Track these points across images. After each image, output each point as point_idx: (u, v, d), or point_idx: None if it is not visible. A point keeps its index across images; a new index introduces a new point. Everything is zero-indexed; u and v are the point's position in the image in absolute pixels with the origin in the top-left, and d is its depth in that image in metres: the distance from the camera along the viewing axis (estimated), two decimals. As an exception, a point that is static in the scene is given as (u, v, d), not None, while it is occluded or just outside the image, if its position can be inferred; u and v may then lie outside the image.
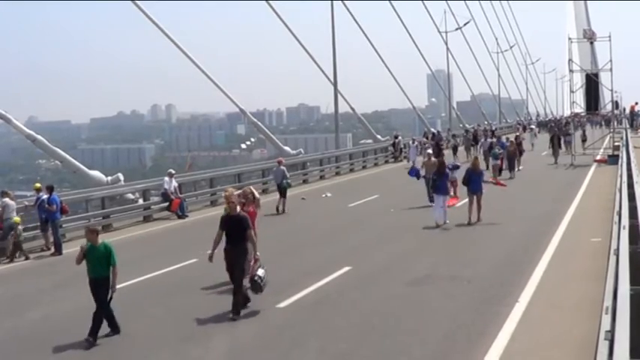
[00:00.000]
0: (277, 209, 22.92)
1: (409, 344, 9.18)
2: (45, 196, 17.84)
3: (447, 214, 18.96)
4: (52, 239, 17.81)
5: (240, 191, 13.40)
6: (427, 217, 20.24)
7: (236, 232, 10.97)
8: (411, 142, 41.78)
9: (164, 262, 15.21)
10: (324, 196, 27.27)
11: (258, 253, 11.18)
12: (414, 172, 24.48)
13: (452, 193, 21.07)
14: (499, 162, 30.99)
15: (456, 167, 22.78)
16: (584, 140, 44.83)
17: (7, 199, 17.41)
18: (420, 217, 20.13)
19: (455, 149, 41.77)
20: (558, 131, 44.54)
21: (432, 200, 21.04)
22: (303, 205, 25.64)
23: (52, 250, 17.64)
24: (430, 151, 26.65)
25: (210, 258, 11.18)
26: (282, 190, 23.64)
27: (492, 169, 30.47)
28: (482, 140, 38.79)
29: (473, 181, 19.63)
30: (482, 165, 27.87)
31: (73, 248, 18.15)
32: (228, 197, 11.55)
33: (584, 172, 32.57)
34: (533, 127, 60.44)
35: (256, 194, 13.13)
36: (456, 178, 21.66)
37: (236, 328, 10.31)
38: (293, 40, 39.11)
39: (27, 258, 17.02)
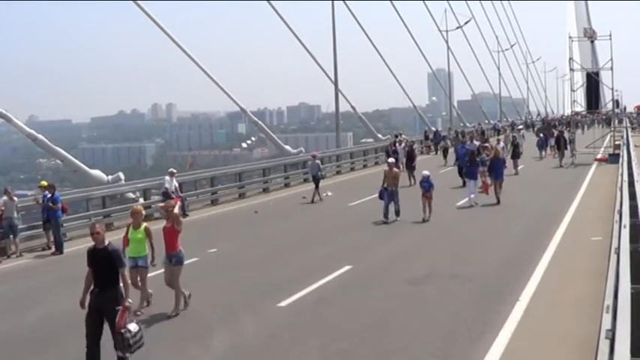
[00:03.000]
0: (313, 199, 25.47)
1: (410, 343, 9.18)
2: (49, 195, 17.87)
3: (476, 196, 22.21)
4: (52, 238, 17.82)
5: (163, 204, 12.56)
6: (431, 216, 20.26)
7: (105, 271, 8.42)
8: (397, 144, 37.81)
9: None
10: (324, 195, 27.23)
11: (129, 300, 8.50)
12: (383, 196, 20.43)
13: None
14: (486, 169, 24.97)
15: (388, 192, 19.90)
16: (571, 141, 39.67)
17: (5, 198, 17.41)
18: (420, 216, 20.12)
19: (445, 151, 40.44)
20: (545, 130, 43.92)
21: (386, 217, 19.49)
22: (303, 203, 25.65)
23: (53, 249, 17.65)
24: (392, 160, 22.16)
25: (82, 304, 8.61)
26: (317, 181, 26.21)
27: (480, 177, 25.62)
28: (470, 143, 34.46)
29: (495, 169, 23.01)
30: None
31: (73, 247, 18.24)
32: (96, 229, 8.68)
33: (584, 171, 32.57)
34: (520, 127, 59.52)
35: (176, 209, 11.54)
36: (430, 192, 19.88)
37: (237, 327, 10.31)
38: (294, 39, 39.19)
39: None
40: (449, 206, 22.32)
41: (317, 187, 26.04)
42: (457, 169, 28.63)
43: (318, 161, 27.45)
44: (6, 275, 15.40)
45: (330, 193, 27.44)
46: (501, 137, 40.24)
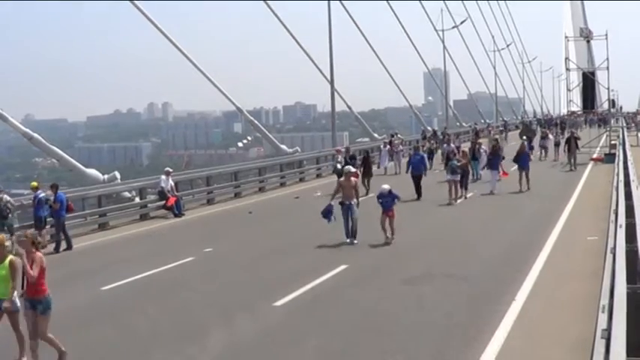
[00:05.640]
0: None
1: (406, 343, 9.18)
2: (42, 195, 17.88)
3: (497, 186, 25.09)
4: (47, 237, 17.78)
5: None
6: (423, 218, 20.32)
7: None
8: (382, 146, 35.60)
9: (161, 260, 15.20)
10: (315, 194, 26.90)
11: None
12: (328, 214, 17.22)
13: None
14: (457, 177, 23.32)
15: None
16: (557, 145, 39.65)
17: None
18: (416, 217, 20.14)
19: (431, 153, 37.32)
20: (529, 132, 43.58)
21: (348, 236, 16.68)
22: (297, 203, 25.63)
23: (50, 249, 17.57)
24: (352, 169, 18.60)
25: None
26: (340, 175, 26.95)
27: (448, 186, 23.19)
28: (445, 146, 32.90)
29: (522, 159, 26.08)
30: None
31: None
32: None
33: (580, 170, 32.59)
34: (501, 129, 58.70)
35: (38, 257, 8.89)
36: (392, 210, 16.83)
37: (233, 326, 10.30)
38: (290, 38, 39.17)
39: None
40: (443, 206, 22.33)
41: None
42: (412, 179, 24.84)
43: (341, 156, 29.08)
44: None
45: (319, 193, 27.08)
46: (484, 141, 38.63)
